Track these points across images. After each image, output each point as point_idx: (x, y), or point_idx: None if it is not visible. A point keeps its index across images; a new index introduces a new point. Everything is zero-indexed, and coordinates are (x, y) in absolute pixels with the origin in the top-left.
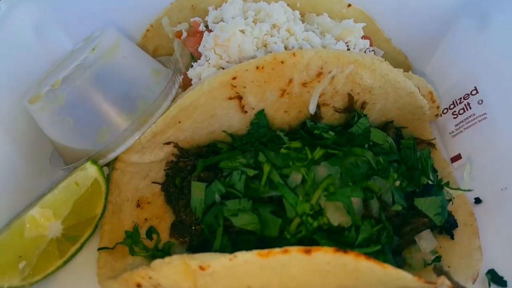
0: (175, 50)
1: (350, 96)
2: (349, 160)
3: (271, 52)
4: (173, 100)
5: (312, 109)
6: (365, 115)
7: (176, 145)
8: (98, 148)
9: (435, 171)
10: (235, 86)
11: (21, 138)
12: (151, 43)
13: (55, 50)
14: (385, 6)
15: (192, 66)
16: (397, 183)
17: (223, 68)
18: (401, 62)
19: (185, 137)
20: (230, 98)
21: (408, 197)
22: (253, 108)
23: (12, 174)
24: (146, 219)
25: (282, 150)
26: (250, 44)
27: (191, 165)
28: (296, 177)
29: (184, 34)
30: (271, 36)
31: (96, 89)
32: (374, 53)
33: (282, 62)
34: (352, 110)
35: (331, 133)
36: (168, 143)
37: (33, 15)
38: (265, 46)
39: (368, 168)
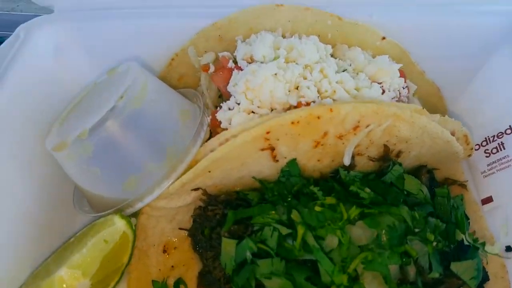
0: (201, 83)
1: (386, 147)
2: (385, 220)
3: (303, 97)
4: (202, 144)
5: (346, 161)
6: (400, 164)
7: (204, 192)
8: (126, 197)
9: (467, 218)
10: (268, 139)
11: (41, 175)
12: (176, 72)
13: (77, 79)
14: (420, 38)
15: (220, 106)
16: (434, 243)
17: (253, 112)
18: (434, 94)
19: (214, 182)
20: (262, 149)
21: (443, 256)
22: (285, 157)
23: (33, 216)
24: (172, 266)
25: (317, 208)
26: (282, 89)
27: (220, 215)
28: (331, 241)
29: (212, 68)
30: (304, 79)
31: (125, 139)
32: (408, 90)
33: (318, 118)
34: (387, 159)
35: (367, 190)
36: (196, 189)
37: (53, 41)
38: (296, 88)
39: (405, 228)
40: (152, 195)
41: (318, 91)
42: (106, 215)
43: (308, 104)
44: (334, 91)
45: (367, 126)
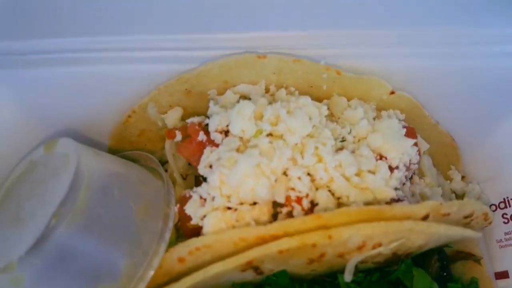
0: (166, 150)
1: (395, 254)
2: None
3: (293, 189)
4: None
5: (347, 278)
6: (409, 263)
7: None
8: None
9: None
10: (250, 264)
11: None
12: (136, 127)
13: (11, 142)
14: (433, 83)
15: (190, 194)
16: None
17: (229, 208)
18: (447, 144)
19: None
20: (244, 270)
21: None
22: (272, 270)
23: None
24: None
25: None
26: (267, 184)
27: None
28: None
29: (178, 136)
30: (293, 163)
31: (65, 264)
32: (419, 154)
33: (314, 246)
34: (396, 262)
35: None
36: None
37: None
38: (285, 174)
39: None
40: None
41: (311, 178)
42: None
43: (299, 199)
44: (332, 179)
45: (374, 246)
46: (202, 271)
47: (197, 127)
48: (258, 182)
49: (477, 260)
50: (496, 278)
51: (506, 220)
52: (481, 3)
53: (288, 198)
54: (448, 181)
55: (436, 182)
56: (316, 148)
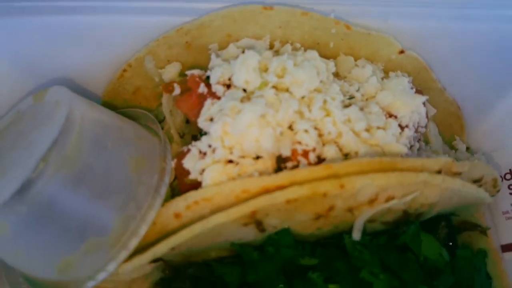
0: (163, 105)
1: (405, 213)
2: None
3: (299, 142)
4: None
5: (356, 236)
6: (417, 224)
7: (167, 266)
8: (63, 280)
9: (488, 277)
10: (253, 217)
11: None
12: (130, 84)
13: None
14: (444, 53)
15: (188, 148)
16: None
17: (231, 161)
18: (452, 113)
19: (180, 251)
20: (246, 225)
21: None
22: (275, 227)
23: None
24: None
25: None
26: (272, 135)
27: None
28: None
29: (177, 90)
30: (300, 116)
31: (52, 214)
32: (427, 118)
33: (324, 195)
34: (405, 223)
35: (382, 276)
36: (156, 260)
37: None
38: (290, 128)
39: None
40: (94, 280)
41: (319, 133)
42: None
43: (305, 152)
44: (340, 134)
45: (387, 199)
46: (201, 222)
47: (197, 79)
48: (263, 132)
49: (483, 231)
50: (503, 251)
51: None
52: None
53: (294, 151)
54: (453, 151)
55: (441, 150)
56: (325, 101)
